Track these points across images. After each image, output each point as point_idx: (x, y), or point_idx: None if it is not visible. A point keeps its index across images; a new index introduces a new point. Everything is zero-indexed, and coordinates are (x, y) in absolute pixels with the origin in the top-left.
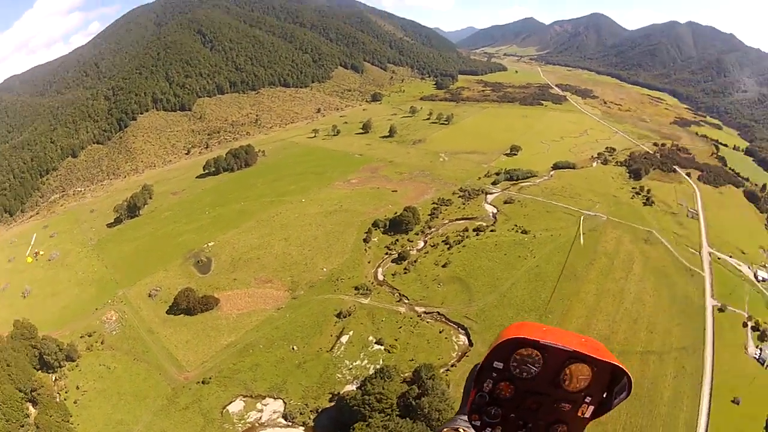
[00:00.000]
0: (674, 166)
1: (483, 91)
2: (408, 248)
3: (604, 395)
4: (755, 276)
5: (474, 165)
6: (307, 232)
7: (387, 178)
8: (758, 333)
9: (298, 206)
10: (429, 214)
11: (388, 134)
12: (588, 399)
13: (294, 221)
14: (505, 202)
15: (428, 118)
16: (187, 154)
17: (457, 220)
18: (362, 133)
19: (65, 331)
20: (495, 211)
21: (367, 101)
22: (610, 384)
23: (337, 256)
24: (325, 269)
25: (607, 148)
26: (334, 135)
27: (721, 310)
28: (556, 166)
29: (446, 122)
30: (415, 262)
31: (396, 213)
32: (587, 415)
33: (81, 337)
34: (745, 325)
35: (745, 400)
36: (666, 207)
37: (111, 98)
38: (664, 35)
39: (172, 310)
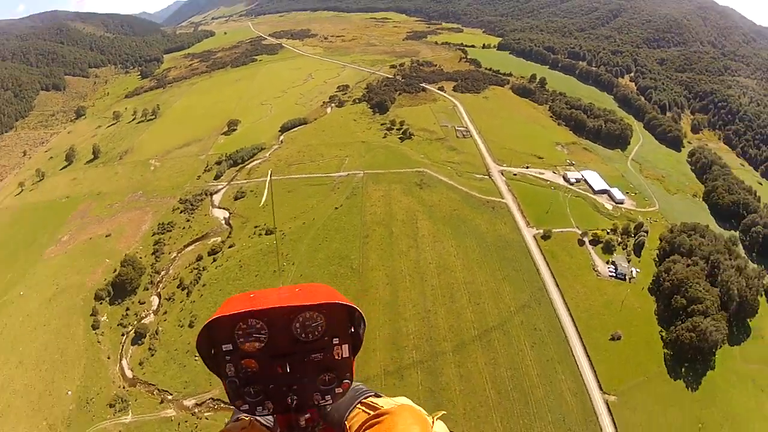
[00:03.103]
0: (422, 85)
1: (191, 65)
2: (143, 315)
3: (352, 330)
4: (566, 180)
5: (190, 161)
6: (37, 340)
7: (98, 218)
8: (601, 246)
9: (18, 304)
10: (152, 254)
11: (93, 157)
12: (336, 340)
13: (21, 330)
14: (236, 198)
15: (133, 119)
16: None
17: (185, 247)
18: (66, 166)
19: None
20: (227, 215)
21: (71, 121)
22: (351, 319)
23: (74, 366)
24: (69, 392)
25: (338, 87)
26: (40, 180)
27: (545, 237)
28: (284, 128)
29: (153, 117)
30: (157, 333)
31: (115, 271)
32: (345, 354)
33: None
34: (581, 243)
35: (626, 329)
36: (429, 134)
37: None
38: None
39: None
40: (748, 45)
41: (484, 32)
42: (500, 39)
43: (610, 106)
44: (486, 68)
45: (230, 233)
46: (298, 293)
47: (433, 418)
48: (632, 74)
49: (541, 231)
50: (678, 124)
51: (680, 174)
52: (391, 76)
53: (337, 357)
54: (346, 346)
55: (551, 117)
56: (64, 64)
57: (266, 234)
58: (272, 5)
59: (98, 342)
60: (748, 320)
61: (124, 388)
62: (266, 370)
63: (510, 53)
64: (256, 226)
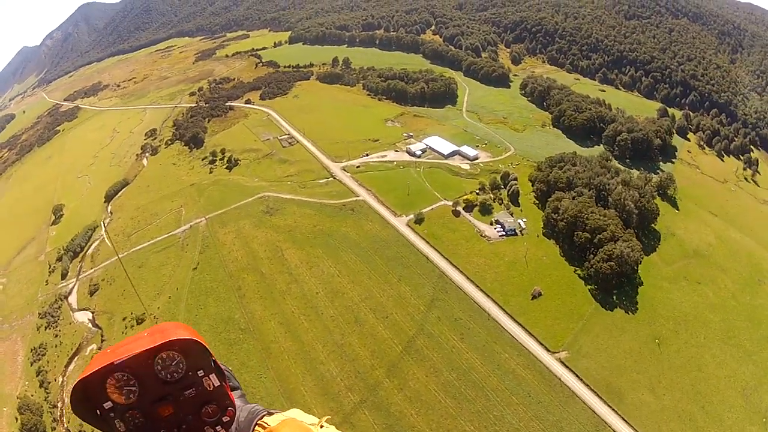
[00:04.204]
0: (228, 104)
1: (1, 157)
2: None
3: (214, 361)
4: (411, 154)
5: (33, 266)
6: None
7: None
8: (478, 209)
9: None
10: (40, 386)
11: None
12: (201, 372)
13: None
14: (92, 293)
15: None
16: None
17: (66, 368)
18: None
19: None
20: (90, 316)
21: None
22: (205, 349)
23: None
24: None
25: (146, 133)
26: None
27: (418, 221)
28: (108, 197)
29: None
30: None
31: (17, 420)
32: (216, 383)
33: None
34: (457, 213)
35: (542, 283)
36: (255, 154)
37: None
38: None
39: None
40: None
41: (270, 31)
42: (289, 33)
43: (423, 65)
44: (285, 66)
45: (103, 336)
46: (146, 337)
47: (319, 424)
48: (433, 27)
49: (412, 216)
50: (497, 62)
51: (521, 109)
52: (194, 105)
53: (209, 388)
54: (213, 375)
55: (369, 95)
56: None
57: (138, 323)
58: (60, 68)
59: None
60: (652, 225)
61: None
62: (152, 417)
63: (303, 44)
64: (124, 318)
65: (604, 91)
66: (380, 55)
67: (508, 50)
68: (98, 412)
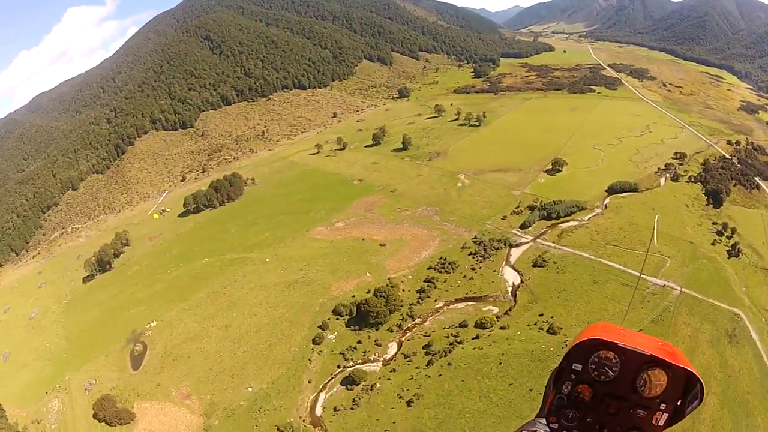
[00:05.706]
0: (756, 179)
1: (527, 77)
2: (371, 358)
3: (678, 403)
4: None
5: (502, 192)
6: (252, 318)
7: (381, 219)
8: None
9: (259, 270)
10: (418, 291)
11: (401, 146)
12: (663, 406)
13: (245, 297)
14: (535, 265)
15: (456, 119)
16: (182, 180)
17: (456, 301)
18: (372, 146)
19: (23, 411)
20: (517, 281)
21: (392, 98)
22: (684, 391)
23: (272, 368)
24: (251, 389)
25: (676, 153)
26: (340, 149)
27: None
28: (611, 190)
29: (477, 123)
30: (371, 388)
31: (369, 291)
32: (661, 423)
33: (32, 422)
34: None
35: None
36: (756, 257)
37: (112, 121)
38: (710, 6)
39: (96, 416)
40: None
41: None
42: None
43: None
44: None
45: (510, 309)
46: (662, 347)
47: None
48: None
49: None
50: None
51: None
52: (728, 156)
53: (654, 422)
54: (667, 416)
55: None
56: (391, 40)
57: (548, 332)
58: (610, 33)
59: (309, 360)
60: None
61: (303, 421)
62: (595, 403)
63: None
64: (540, 315)
65: None
66: None
67: None
68: (562, 365)
